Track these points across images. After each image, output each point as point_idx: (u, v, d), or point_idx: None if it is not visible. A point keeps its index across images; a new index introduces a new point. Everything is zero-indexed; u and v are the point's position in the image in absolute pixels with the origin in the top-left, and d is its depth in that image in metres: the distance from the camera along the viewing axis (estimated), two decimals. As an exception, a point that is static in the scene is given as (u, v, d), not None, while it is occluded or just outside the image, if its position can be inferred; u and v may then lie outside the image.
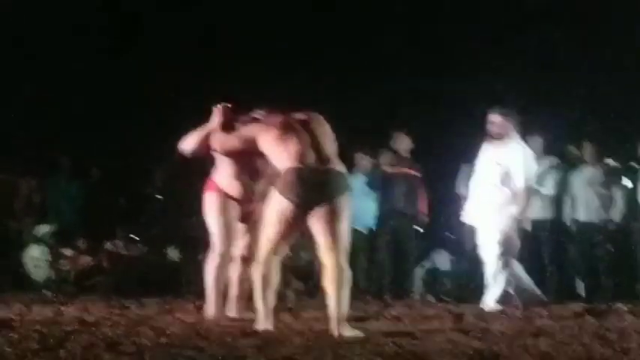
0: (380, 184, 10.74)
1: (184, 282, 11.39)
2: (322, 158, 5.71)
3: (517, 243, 8.50)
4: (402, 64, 15.00)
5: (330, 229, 5.63)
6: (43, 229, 12.16)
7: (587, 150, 10.42)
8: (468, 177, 11.45)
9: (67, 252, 12.12)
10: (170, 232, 13.33)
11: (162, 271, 11.94)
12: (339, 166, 5.77)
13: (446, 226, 12.25)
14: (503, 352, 4.78)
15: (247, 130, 6.17)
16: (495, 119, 8.52)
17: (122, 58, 15.41)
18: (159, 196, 13.38)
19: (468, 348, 4.95)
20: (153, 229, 13.32)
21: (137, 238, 12.67)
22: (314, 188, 5.59)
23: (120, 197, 13.50)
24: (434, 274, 12.46)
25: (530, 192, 8.47)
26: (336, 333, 5.60)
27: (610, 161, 10.44)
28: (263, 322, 5.74)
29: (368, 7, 15.10)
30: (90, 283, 11.56)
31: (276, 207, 5.65)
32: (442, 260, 12.64)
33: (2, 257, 12.13)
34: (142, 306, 8.63)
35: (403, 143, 10.80)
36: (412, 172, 10.75)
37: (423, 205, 10.84)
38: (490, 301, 8.36)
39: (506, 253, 8.40)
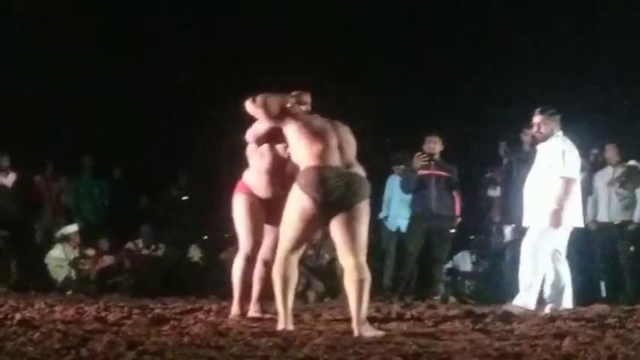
0: (414, 186, 10.75)
1: (206, 281, 11.42)
2: (345, 162, 5.72)
3: (564, 240, 8.38)
4: (436, 67, 15.02)
5: (350, 232, 5.65)
6: (66, 229, 12.22)
7: (610, 152, 10.37)
8: (492, 181, 11.56)
9: (89, 252, 12.18)
10: (192, 231, 13.39)
11: (184, 271, 11.98)
12: (361, 171, 5.79)
13: (469, 228, 12.26)
14: (525, 353, 4.75)
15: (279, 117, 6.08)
16: (537, 119, 8.44)
17: (146, 58, 15.48)
18: (183, 197, 13.44)
19: (490, 348, 4.93)
20: (175, 228, 13.38)
21: (159, 239, 12.71)
22: (337, 189, 5.59)
23: (142, 197, 13.54)
24: (456, 275, 12.47)
25: (570, 183, 8.32)
26: (356, 333, 5.61)
27: (632, 162, 10.40)
28: (283, 322, 5.75)
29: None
30: (111, 282, 11.61)
31: (297, 204, 5.65)
32: (464, 262, 12.65)
33: (25, 257, 12.22)
34: (163, 305, 8.64)
35: (436, 146, 10.81)
36: (445, 173, 10.75)
37: (456, 208, 10.83)
38: (524, 300, 8.25)
39: (551, 251, 8.29)
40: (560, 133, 8.41)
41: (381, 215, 11.42)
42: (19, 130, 14.40)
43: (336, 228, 5.71)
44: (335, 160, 5.70)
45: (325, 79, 13.52)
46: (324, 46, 14.74)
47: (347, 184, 5.62)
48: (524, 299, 8.19)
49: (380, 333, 5.64)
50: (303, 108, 6.11)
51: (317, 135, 5.79)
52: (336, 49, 14.89)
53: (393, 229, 11.35)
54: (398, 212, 11.33)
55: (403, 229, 11.20)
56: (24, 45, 14.89)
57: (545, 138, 8.41)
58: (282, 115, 5.97)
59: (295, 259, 5.76)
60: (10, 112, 14.29)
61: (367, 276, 5.71)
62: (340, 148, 5.76)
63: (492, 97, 14.35)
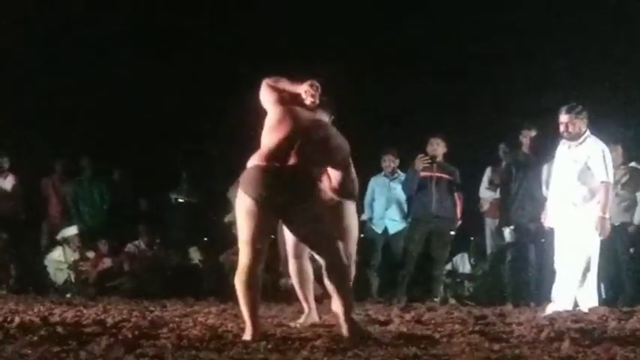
0: (415, 187, 10.74)
1: (206, 284, 11.42)
2: (298, 161, 5.51)
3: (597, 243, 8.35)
4: (439, 69, 15.02)
5: (308, 231, 5.58)
6: (65, 232, 12.21)
7: (611, 154, 10.36)
8: (488, 181, 11.55)
9: (89, 254, 12.17)
10: (192, 233, 13.39)
11: (184, 273, 11.97)
12: (309, 170, 5.58)
13: (468, 229, 12.25)
14: (525, 355, 4.75)
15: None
16: (564, 119, 8.35)
17: (146, 60, 15.48)
18: (181, 199, 13.43)
19: (489, 350, 4.93)
20: (174, 230, 13.38)
21: (158, 240, 12.70)
22: (275, 187, 5.43)
23: (141, 199, 13.53)
24: (455, 277, 12.46)
25: (609, 188, 8.29)
26: (344, 332, 5.53)
27: (634, 164, 10.39)
28: (250, 331, 5.50)
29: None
30: (111, 285, 11.60)
31: (241, 207, 5.49)
32: (464, 263, 12.63)
33: (24, 260, 12.21)
34: (162, 308, 8.64)
35: (439, 148, 10.80)
36: (447, 176, 10.74)
37: (457, 210, 10.82)
38: (586, 301, 8.24)
39: (590, 253, 8.28)
40: (588, 131, 8.36)
41: (364, 217, 11.23)
42: (22, 133, 14.44)
43: (296, 233, 5.69)
44: (281, 159, 5.50)
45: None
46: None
47: (286, 184, 5.43)
48: (588, 299, 8.20)
49: (368, 332, 5.67)
50: (309, 102, 5.83)
51: (275, 127, 5.63)
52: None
53: (379, 230, 11.27)
54: (384, 214, 11.25)
55: (391, 230, 11.18)
56: (24, 46, 14.89)
57: (574, 137, 8.32)
58: (282, 101, 5.78)
59: (257, 266, 5.52)
60: (11, 114, 14.31)
61: (343, 273, 5.61)
62: (300, 149, 5.54)
63: (492, 99, 14.34)
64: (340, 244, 5.71)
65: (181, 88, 15.60)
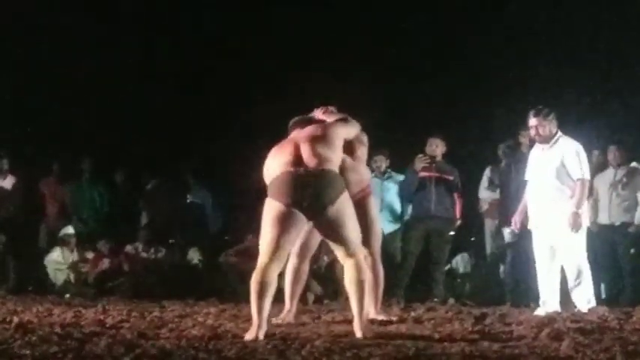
0: (414, 187, 10.73)
1: (205, 284, 11.41)
2: (315, 161, 5.73)
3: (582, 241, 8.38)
4: (438, 70, 15.03)
5: (336, 233, 5.70)
6: (65, 232, 12.20)
7: (612, 153, 10.36)
8: (487, 181, 11.54)
9: (88, 255, 12.16)
10: (191, 234, 13.38)
11: (183, 274, 11.96)
12: (332, 167, 5.78)
13: (468, 229, 12.24)
14: (524, 355, 4.75)
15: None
16: (533, 122, 8.40)
17: (150, 65, 15.51)
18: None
19: (489, 350, 4.93)
20: (174, 231, 13.36)
21: (158, 241, 12.69)
22: (302, 189, 5.59)
23: (141, 200, 13.49)
24: (455, 277, 12.44)
25: (585, 185, 8.32)
26: (359, 334, 5.60)
27: (634, 164, 10.39)
28: (255, 331, 5.56)
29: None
30: (110, 285, 11.59)
31: (269, 211, 5.65)
32: (464, 263, 12.62)
33: (24, 260, 12.20)
34: (162, 308, 8.64)
35: (438, 149, 10.79)
36: (446, 176, 10.73)
37: (456, 210, 10.81)
38: (583, 301, 8.26)
39: (577, 252, 8.31)
40: (559, 132, 8.41)
41: None
42: (21, 134, 14.45)
43: (323, 232, 5.82)
44: (296, 165, 5.72)
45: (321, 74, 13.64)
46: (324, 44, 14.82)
47: (314, 183, 5.62)
48: (585, 299, 8.21)
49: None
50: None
51: (278, 150, 5.89)
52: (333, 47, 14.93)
53: (393, 229, 11.27)
54: (379, 214, 11.20)
55: (386, 231, 11.15)
56: (26, 48, 14.90)
57: (546, 140, 8.38)
58: None
59: (275, 268, 5.66)
60: (11, 115, 14.32)
61: (366, 276, 5.73)
62: (308, 148, 5.79)
63: (491, 98, 14.33)
64: (362, 246, 5.89)
65: (185, 87, 15.64)
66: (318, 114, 6.50)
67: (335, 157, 5.91)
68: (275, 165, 5.80)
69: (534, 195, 8.51)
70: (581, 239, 8.31)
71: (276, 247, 5.62)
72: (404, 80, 15.12)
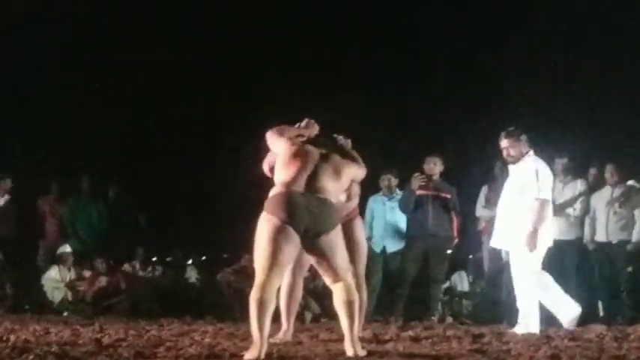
0: (412, 205, 10.73)
1: (203, 302, 11.40)
2: (316, 188, 5.75)
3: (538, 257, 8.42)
4: (436, 88, 15.07)
5: (328, 259, 5.70)
6: (62, 250, 12.18)
7: (609, 171, 10.37)
8: (484, 200, 11.53)
9: (85, 273, 12.15)
10: (189, 252, 13.38)
11: (181, 292, 11.95)
12: (331, 198, 5.81)
13: (467, 248, 12.24)
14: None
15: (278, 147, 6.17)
16: (504, 144, 8.55)
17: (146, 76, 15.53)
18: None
19: (486, 369, 4.92)
20: (171, 249, 13.37)
21: (155, 259, 12.69)
22: (302, 209, 5.60)
23: (138, 218, 13.48)
24: (453, 295, 12.43)
25: (545, 205, 8.37)
26: (350, 353, 5.60)
27: (631, 182, 10.39)
28: (257, 351, 5.50)
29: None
30: (107, 304, 11.56)
31: (265, 227, 5.62)
32: (462, 282, 12.61)
33: (21, 278, 12.19)
34: (159, 327, 8.62)
35: (436, 167, 10.80)
36: (443, 195, 10.75)
37: (453, 228, 10.82)
38: (522, 326, 8.28)
39: (535, 272, 8.35)
40: (531, 152, 8.51)
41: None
42: (19, 151, 14.46)
43: (313, 257, 5.79)
44: (300, 187, 5.73)
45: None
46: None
47: (313, 207, 5.63)
48: (527, 324, 8.21)
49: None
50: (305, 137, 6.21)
51: (291, 161, 5.86)
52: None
53: (378, 250, 11.22)
54: (383, 233, 11.22)
55: (389, 250, 11.15)
56: (25, 62, 14.93)
57: (516, 160, 8.53)
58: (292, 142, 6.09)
59: (274, 285, 5.64)
60: (11, 133, 14.33)
61: (355, 297, 5.75)
62: (314, 174, 5.81)
63: (488, 117, 14.35)
64: (350, 267, 5.91)
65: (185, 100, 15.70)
66: (302, 125, 6.41)
67: (337, 192, 5.98)
68: (280, 176, 5.82)
69: (500, 214, 8.67)
70: (534, 261, 8.37)
71: (274, 263, 5.58)
72: (403, 97, 15.19)
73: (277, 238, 5.56)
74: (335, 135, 6.39)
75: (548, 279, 8.60)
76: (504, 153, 8.60)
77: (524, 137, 8.54)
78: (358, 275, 7.01)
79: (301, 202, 5.62)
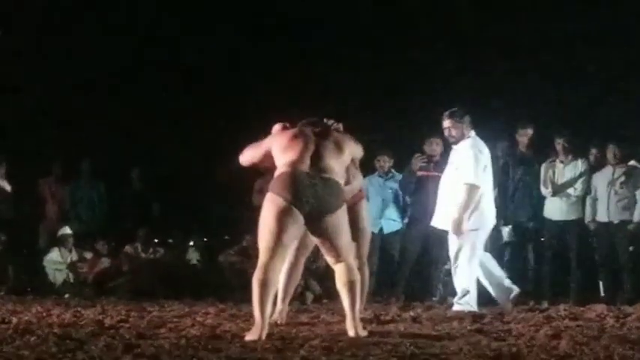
0: (413, 187, 10.73)
1: (204, 284, 11.41)
2: (321, 167, 5.75)
3: (478, 240, 8.52)
4: (437, 72, 15.04)
5: (331, 239, 5.73)
6: (62, 232, 12.19)
7: (610, 152, 10.36)
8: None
9: (87, 255, 12.16)
10: (190, 234, 13.39)
11: (182, 273, 11.95)
12: (337, 178, 5.81)
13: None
14: (522, 353, 4.75)
15: (269, 139, 6.16)
16: (446, 124, 8.64)
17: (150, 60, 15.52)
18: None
19: (487, 349, 4.93)
20: (173, 231, 13.37)
21: (157, 241, 12.69)
22: (308, 189, 5.61)
23: (140, 200, 13.48)
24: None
25: (472, 190, 8.38)
26: (351, 333, 5.62)
27: (633, 162, 10.39)
28: (258, 331, 5.52)
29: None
30: (109, 285, 11.58)
31: (271, 207, 5.63)
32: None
33: (23, 261, 12.21)
34: (161, 308, 8.64)
35: (437, 148, 10.79)
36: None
37: None
38: (457, 302, 8.40)
39: (469, 251, 8.41)
40: (473, 133, 8.56)
41: None
42: (20, 134, 14.47)
43: (317, 238, 5.81)
44: (307, 166, 5.73)
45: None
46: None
47: (319, 186, 5.64)
48: (465, 301, 8.29)
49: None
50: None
51: (290, 143, 5.87)
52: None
53: (375, 230, 11.19)
54: (379, 214, 11.20)
55: (386, 230, 11.15)
56: (27, 51, 14.93)
57: (458, 141, 8.63)
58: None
59: (277, 266, 5.68)
60: (10, 116, 14.34)
61: (357, 278, 5.78)
62: (317, 152, 5.81)
63: (488, 97, 14.33)
64: (353, 248, 5.98)
65: (183, 88, 15.67)
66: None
67: (341, 171, 5.95)
68: (283, 158, 5.82)
69: (440, 193, 8.81)
70: (477, 240, 8.48)
71: (278, 244, 5.61)
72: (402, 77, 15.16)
73: (282, 219, 5.58)
74: (325, 119, 6.37)
75: (487, 258, 8.70)
76: (446, 133, 8.72)
77: (466, 119, 8.63)
78: (361, 256, 7.03)
79: (306, 181, 5.63)
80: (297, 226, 5.66)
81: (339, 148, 5.93)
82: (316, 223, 5.66)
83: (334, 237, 5.71)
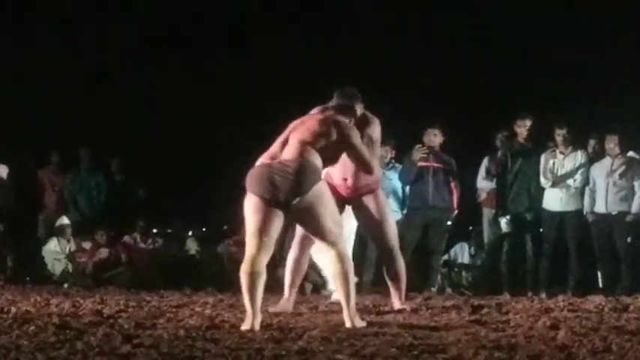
0: (412, 177, 10.73)
1: (203, 274, 11.42)
2: (297, 151, 5.73)
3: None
4: (436, 59, 15.04)
5: (314, 225, 5.72)
6: (60, 222, 12.19)
7: (610, 143, 10.36)
8: (485, 171, 11.53)
9: (86, 245, 12.16)
10: (189, 224, 13.39)
11: (181, 264, 11.97)
12: (310, 158, 5.73)
13: (468, 219, 12.26)
14: (521, 344, 4.75)
15: None
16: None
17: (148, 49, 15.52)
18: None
19: (485, 340, 4.93)
20: (172, 221, 13.38)
21: (155, 231, 12.70)
22: (275, 181, 5.58)
23: (139, 190, 13.49)
24: (453, 267, 12.45)
25: None
26: (348, 324, 5.62)
27: (631, 153, 10.39)
28: (250, 322, 5.55)
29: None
30: (108, 275, 11.59)
31: (247, 203, 5.71)
32: (462, 253, 12.62)
33: (21, 250, 12.21)
34: (160, 298, 8.65)
35: (436, 138, 10.79)
36: (443, 166, 10.74)
37: (453, 200, 10.82)
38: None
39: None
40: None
41: None
42: (18, 124, 14.47)
43: (302, 225, 5.89)
44: (281, 154, 5.75)
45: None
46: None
47: (275, 176, 5.59)
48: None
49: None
50: None
51: (281, 136, 5.92)
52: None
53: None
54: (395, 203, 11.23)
55: (401, 220, 11.16)
56: (25, 38, 14.91)
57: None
58: None
59: (263, 258, 5.67)
60: (8, 104, 14.33)
61: (348, 267, 5.73)
62: (297, 140, 5.79)
63: (489, 88, 14.34)
64: (343, 236, 5.89)
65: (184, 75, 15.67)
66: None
67: (327, 152, 5.86)
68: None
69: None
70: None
71: (260, 237, 5.64)
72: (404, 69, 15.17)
73: (256, 213, 5.63)
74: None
75: None
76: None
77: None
78: (392, 246, 7.04)
79: (272, 174, 5.61)
80: (274, 218, 5.66)
81: (319, 124, 5.93)
82: (295, 208, 5.62)
83: (315, 216, 5.66)
